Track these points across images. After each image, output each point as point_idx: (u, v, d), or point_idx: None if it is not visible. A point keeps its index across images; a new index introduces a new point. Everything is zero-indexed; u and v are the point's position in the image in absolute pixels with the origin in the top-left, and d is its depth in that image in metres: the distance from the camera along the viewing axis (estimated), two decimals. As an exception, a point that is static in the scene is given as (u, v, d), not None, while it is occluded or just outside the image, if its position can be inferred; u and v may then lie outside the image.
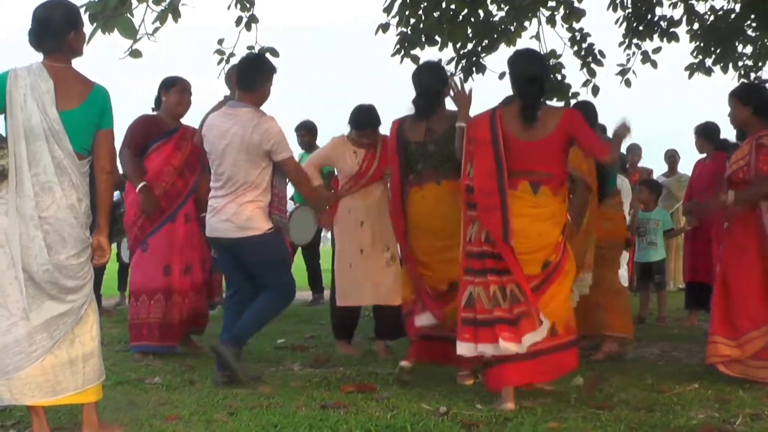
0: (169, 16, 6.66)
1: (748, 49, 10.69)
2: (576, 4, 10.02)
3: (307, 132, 10.77)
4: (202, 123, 6.27)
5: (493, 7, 9.90)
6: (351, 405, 5.16)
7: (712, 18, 10.45)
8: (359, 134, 7.05)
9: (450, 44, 9.84)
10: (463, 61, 10.19)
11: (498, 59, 10.32)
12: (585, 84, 10.20)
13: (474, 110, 5.63)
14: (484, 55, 10.18)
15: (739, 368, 5.88)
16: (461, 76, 10.07)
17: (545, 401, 5.27)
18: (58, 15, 4.42)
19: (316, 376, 6.11)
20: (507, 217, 5.19)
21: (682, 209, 10.10)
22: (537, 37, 10.01)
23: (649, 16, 10.38)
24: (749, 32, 10.46)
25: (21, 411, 4.85)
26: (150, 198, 6.84)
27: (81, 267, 4.40)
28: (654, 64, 10.44)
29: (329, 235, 7.62)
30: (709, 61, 10.60)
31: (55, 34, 4.40)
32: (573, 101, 9.62)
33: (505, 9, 9.83)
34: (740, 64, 10.72)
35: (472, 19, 9.75)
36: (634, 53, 10.51)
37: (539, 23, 10.00)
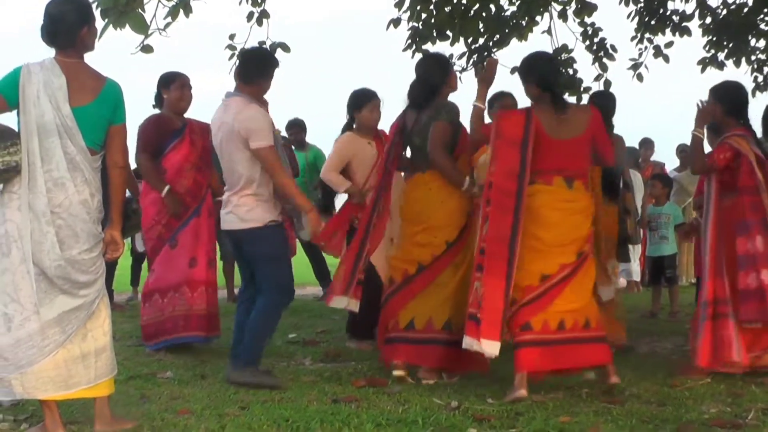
0: (181, 11, 6.67)
1: (761, 43, 10.63)
2: (588, -1, 9.98)
3: (300, 129, 10.84)
4: None
5: (504, 2, 9.86)
6: (362, 399, 5.17)
7: (724, 12, 10.39)
8: (362, 114, 7.15)
9: (461, 39, 9.81)
10: (475, 56, 10.16)
11: (509, 54, 10.31)
12: (597, 78, 10.15)
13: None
14: (495, 49, 10.14)
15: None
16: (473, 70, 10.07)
17: (556, 395, 5.28)
18: (71, 11, 4.43)
19: (327, 371, 6.13)
20: (518, 221, 5.27)
21: (693, 203, 10.07)
22: (549, 31, 9.98)
23: (662, 11, 10.32)
24: (762, 26, 10.39)
25: (33, 405, 4.88)
26: (176, 200, 6.85)
27: (93, 262, 4.41)
28: (666, 59, 10.39)
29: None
30: (721, 56, 10.54)
31: (68, 29, 4.41)
32: (585, 96, 9.60)
33: (517, 4, 9.80)
34: (753, 58, 10.67)
35: (484, 14, 9.72)
36: (646, 47, 10.46)
37: (551, 18, 9.96)
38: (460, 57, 10.07)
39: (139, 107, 6.73)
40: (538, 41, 10.01)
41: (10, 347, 4.28)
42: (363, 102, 7.17)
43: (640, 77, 10.46)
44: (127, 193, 5.59)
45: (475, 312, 5.24)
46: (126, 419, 4.67)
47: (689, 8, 10.38)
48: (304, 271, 10.45)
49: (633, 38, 10.49)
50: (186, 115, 7.14)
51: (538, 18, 9.99)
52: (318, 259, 10.62)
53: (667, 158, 13.32)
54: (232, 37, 8.46)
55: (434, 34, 9.67)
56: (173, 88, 7.04)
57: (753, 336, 5.89)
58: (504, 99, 7.25)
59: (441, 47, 9.72)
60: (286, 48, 8.17)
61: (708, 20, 10.41)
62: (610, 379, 5.38)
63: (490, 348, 5.18)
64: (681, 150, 12.36)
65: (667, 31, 10.30)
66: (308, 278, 11.13)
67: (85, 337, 4.42)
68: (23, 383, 4.31)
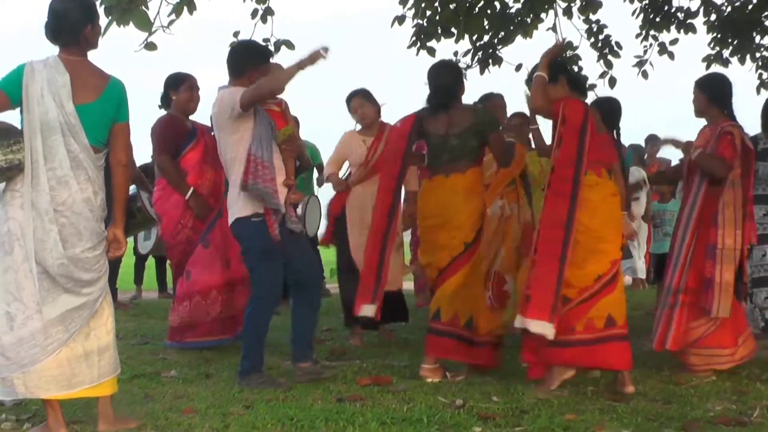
0: (185, 8, 6.67)
1: (766, 40, 10.64)
2: (592, -4, 9.97)
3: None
4: None
5: (509, -1, 9.88)
6: (367, 398, 5.16)
7: (729, 9, 10.38)
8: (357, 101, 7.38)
9: (466, 36, 9.83)
10: (480, 53, 10.17)
11: (514, 51, 10.30)
12: (602, 76, 10.19)
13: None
14: (500, 47, 10.17)
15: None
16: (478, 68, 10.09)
17: (562, 393, 5.27)
18: (76, 8, 4.42)
19: (332, 369, 6.11)
20: (574, 208, 5.32)
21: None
22: (553, 28, 9.96)
23: (666, 8, 10.33)
24: (767, 23, 10.39)
25: (36, 404, 4.86)
26: (202, 202, 6.83)
27: (96, 260, 4.40)
28: (671, 56, 10.42)
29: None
30: (726, 53, 10.55)
31: (72, 27, 4.40)
32: (590, 93, 9.59)
33: (522, 1, 9.79)
34: (758, 55, 10.69)
35: (489, 11, 9.73)
36: (651, 45, 10.48)
37: (556, 15, 9.93)
38: (465, 54, 10.09)
39: (142, 105, 6.71)
40: (542, 39, 10.01)
41: (12, 346, 4.26)
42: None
43: (645, 74, 10.49)
44: (131, 191, 5.58)
45: (528, 292, 5.33)
46: (129, 418, 4.65)
47: (694, 5, 10.43)
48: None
49: (638, 35, 10.52)
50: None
51: (543, 15, 9.98)
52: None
53: (673, 155, 13.30)
54: (236, 34, 8.46)
55: (439, 32, 9.69)
56: (183, 89, 6.98)
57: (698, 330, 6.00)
58: (493, 100, 7.30)
59: (445, 44, 9.73)
60: (290, 45, 8.18)
61: (713, 17, 10.42)
62: (626, 388, 5.36)
63: (538, 328, 5.22)
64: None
65: (672, 28, 10.32)
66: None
67: (88, 336, 4.40)
68: (26, 382, 4.29)
